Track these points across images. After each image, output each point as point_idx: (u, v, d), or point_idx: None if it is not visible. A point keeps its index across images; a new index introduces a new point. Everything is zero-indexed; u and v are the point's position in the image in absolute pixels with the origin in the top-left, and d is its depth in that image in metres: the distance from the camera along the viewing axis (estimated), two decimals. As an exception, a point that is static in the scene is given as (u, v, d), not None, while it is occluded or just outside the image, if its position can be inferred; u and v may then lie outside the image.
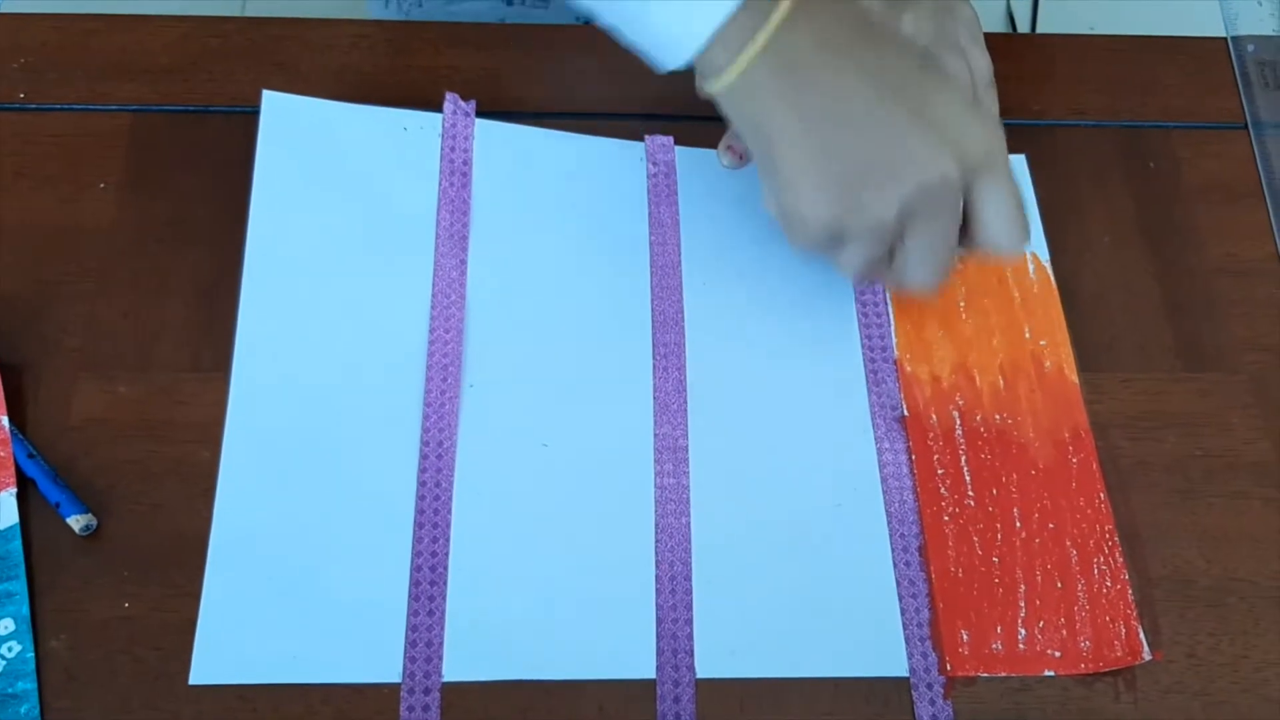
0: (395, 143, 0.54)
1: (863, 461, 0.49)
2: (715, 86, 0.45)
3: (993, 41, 0.62)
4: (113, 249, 0.52)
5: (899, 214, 0.44)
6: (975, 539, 0.47)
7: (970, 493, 0.48)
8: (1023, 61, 0.62)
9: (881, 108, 0.43)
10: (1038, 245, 0.55)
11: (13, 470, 0.46)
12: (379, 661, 0.44)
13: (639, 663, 0.44)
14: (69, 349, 0.49)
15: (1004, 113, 0.59)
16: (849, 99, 0.43)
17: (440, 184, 0.54)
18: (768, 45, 0.43)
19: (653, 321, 0.51)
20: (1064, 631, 0.46)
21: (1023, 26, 1.33)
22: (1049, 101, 0.60)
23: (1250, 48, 0.61)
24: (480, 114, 0.55)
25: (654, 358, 0.51)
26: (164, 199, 0.53)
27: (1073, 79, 0.61)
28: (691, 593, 0.46)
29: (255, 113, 0.54)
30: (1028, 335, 0.52)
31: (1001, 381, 0.51)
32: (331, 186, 0.53)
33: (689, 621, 0.45)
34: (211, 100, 0.56)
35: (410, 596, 0.45)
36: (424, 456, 0.48)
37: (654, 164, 0.55)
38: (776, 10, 0.43)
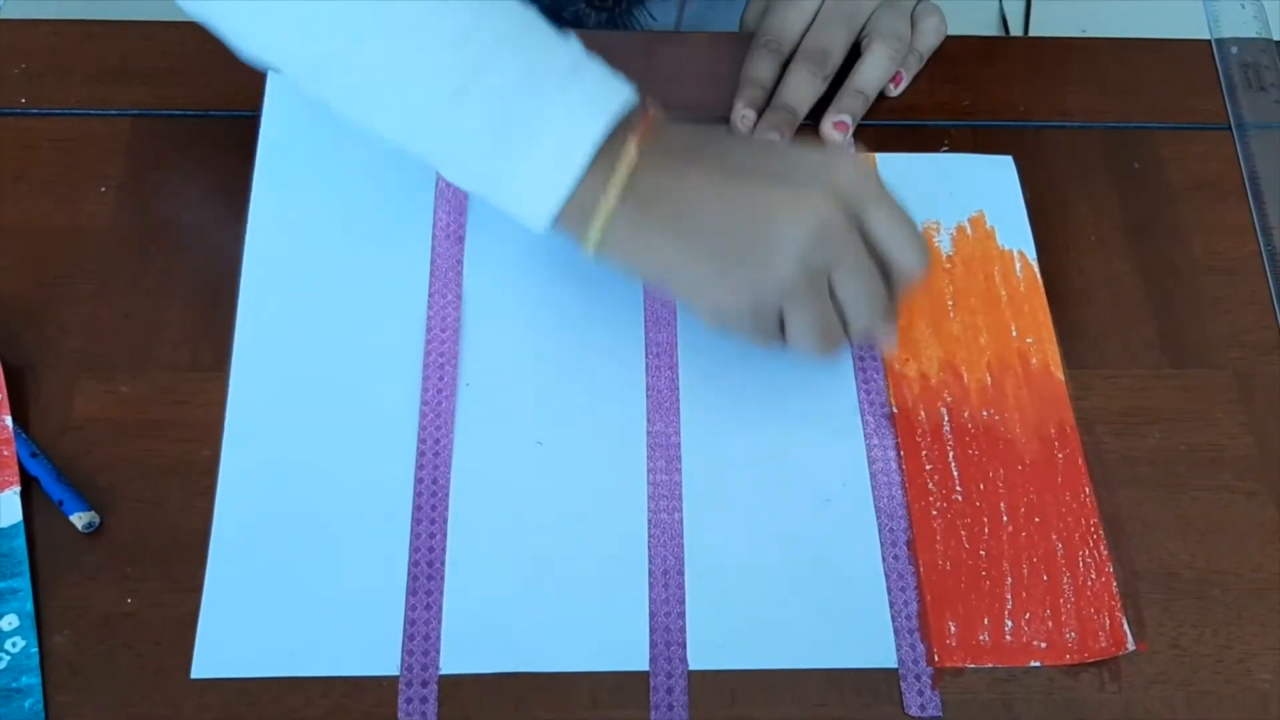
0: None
1: (852, 457, 0.50)
2: (588, 250, 0.46)
3: (981, 44, 0.63)
4: (112, 251, 0.53)
5: (803, 267, 0.44)
6: (963, 533, 0.48)
7: (958, 487, 0.49)
8: (1010, 63, 0.62)
9: (740, 189, 0.45)
10: (1024, 244, 0.55)
11: (16, 469, 0.47)
12: (377, 654, 0.45)
13: (632, 655, 0.45)
14: (70, 349, 0.50)
15: (991, 114, 0.60)
16: (707, 199, 0.45)
17: (437, 183, 0.54)
18: (619, 201, 0.45)
19: (645, 320, 0.52)
20: (1050, 623, 0.46)
21: (1015, 29, 1.34)
22: (1035, 103, 0.61)
23: (1234, 49, 0.62)
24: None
25: (647, 356, 0.51)
26: (163, 202, 0.54)
27: (1059, 80, 0.61)
28: (684, 586, 0.46)
29: (253, 117, 0.55)
30: (1014, 333, 0.53)
31: (989, 378, 0.52)
32: (329, 186, 0.54)
33: (681, 614, 0.46)
34: (210, 105, 0.57)
35: (408, 591, 0.46)
36: (421, 454, 0.48)
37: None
38: (616, 174, 0.44)
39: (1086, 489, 0.49)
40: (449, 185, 0.54)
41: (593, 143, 0.44)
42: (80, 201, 0.54)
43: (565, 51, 0.45)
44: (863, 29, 0.59)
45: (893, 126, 0.58)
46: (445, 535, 0.47)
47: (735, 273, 0.45)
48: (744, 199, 0.45)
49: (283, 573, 0.46)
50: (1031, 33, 1.33)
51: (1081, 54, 0.63)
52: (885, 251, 0.46)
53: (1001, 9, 1.35)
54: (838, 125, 0.57)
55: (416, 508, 0.47)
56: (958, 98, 0.61)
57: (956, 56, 0.62)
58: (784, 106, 0.57)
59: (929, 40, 0.61)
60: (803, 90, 0.57)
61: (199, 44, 0.59)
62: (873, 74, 0.58)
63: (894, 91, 0.60)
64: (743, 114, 0.57)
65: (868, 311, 0.47)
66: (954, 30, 0.62)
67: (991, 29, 1.34)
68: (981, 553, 0.48)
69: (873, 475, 0.49)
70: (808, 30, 0.59)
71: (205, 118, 0.57)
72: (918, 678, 0.45)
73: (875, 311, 0.47)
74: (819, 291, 0.46)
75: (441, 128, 0.45)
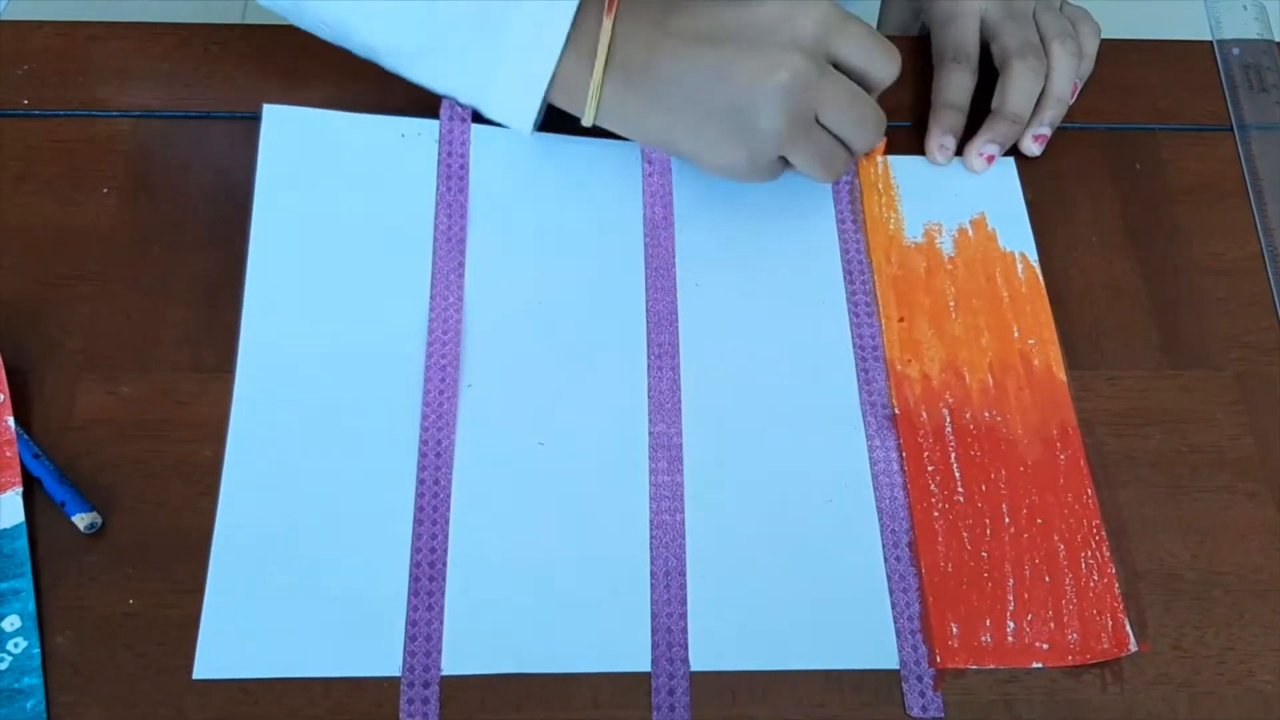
0: (393, 149, 0.55)
1: (854, 459, 0.50)
2: (586, 122, 0.51)
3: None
4: (115, 252, 0.53)
5: (789, 116, 0.49)
6: (964, 534, 0.48)
7: (960, 489, 0.49)
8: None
9: (713, 55, 0.49)
10: (1026, 245, 0.55)
11: (18, 470, 0.47)
12: (379, 655, 0.45)
13: (634, 655, 0.45)
14: (72, 350, 0.50)
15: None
16: (685, 70, 0.49)
17: (437, 188, 0.54)
18: (604, 77, 0.49)
19: (647, 321, 0.52)
20: (1052, 624, 0.47)
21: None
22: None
23: (1235, 50, 0.62)
24: (477, 119, 0.56)
25: (648, 357, 0.51)
26: (165, 203, 0.54)
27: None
28: (686, 587, 0.46)
29: (255, 118, 0.55)
30: (1016, 334, 0.53)
31: (990, 380, 0.52)
32: (331, 192, 0.54)
33: (683, 615, 0.46)
34: (212, 106, 0.57)
35: (410, 592, 0.46)
36: (423, 455, 0.48)
37: (649, 163, 0.56)
38: (597, 55, 0.49)
39: (1088, 490, 0.49)
40: (449, 189, 0.54)
41: (565, 26, 0.48)
42: (82, 203, 0.54)
43: None
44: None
45: (894, 128, 0.58)
46: (447, 536, 0.47)
47: (727, 135, 0.49)
48: (718, 66, 0.48)
49: (285, 573, 0.46)
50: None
51: (1083, 55, 0.63)
52: (859, 72, 0.50)
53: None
54: (1038, 138, 0.57)
55: (418, 509, 0.47)
56: (959, 99, 0.60)
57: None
58: (1010, 115, 0.56)
59: (1092, 44, 0.59)
60: (1029, 91, 0.56)
61: (201, 45, 0.59)
62: (1067, 76, 0.57)
63: (1070, 101, 0.58)
64: (942, 143, 0.57)
65: (861, 133, 0.51)
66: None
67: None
68: (983, 554, 0.48)
69: (874, 476, 0.49)
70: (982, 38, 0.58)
71: (207, 119, 0.57)
72: (919, 679, 0.45)
73: (868, 131, 0.51)
74: (809, 130, 0.50)
75: (424, 28, 0.49)
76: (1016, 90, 0.56)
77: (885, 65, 0.51)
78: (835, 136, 0.51)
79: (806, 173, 0.51)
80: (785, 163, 0.52)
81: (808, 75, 0.48)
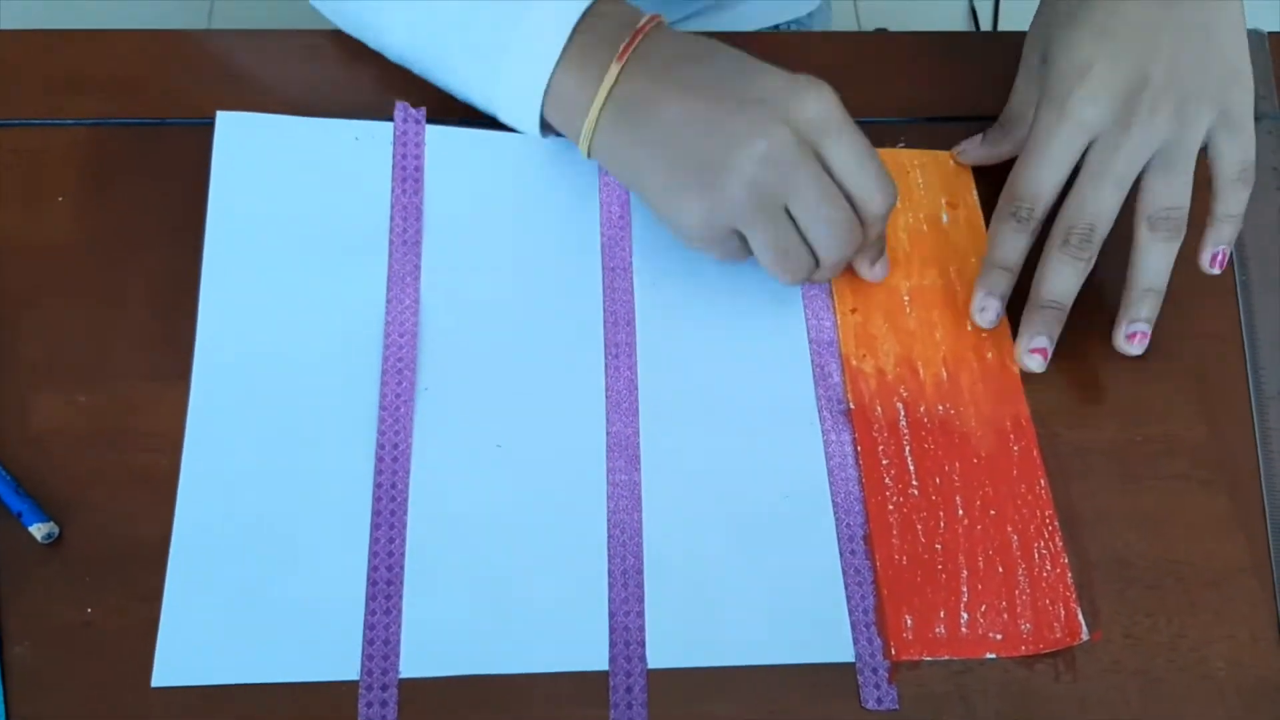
0: (347, 152, 0.55)
1: (809, 454, 0.50)
2: (584, 151, 0.51)
3: (955, 40, 0.63)
4: (70, 261, 0.53)
5: (750, 190, 0.47)
6: (919, 527, 0.49)
7: (914, 482, 0.50)
8: (983, 61, 0.62)
9: (705, 108, 0.48)
10: (980, 241, 0.56)
11: (-26, 481, 0.47)
12: (337, 660, 0.45)
13: (592, 655, 0.45)
14: (28, 360, 0.50)
15: (956, 110, 0.60)
16: (676, 117, 0.48)
17: (392, 190, 0.54)
18: (604, 105, 0.50)
19: (604, 321, 0.52)
20: (1005, 615, 0.47)
21: (985, 24, 1.35)
22: (1000, 99, 0.61)
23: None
24: (431, 120, 0.56)
25: (605, 356, 0.52)
26: (121, 211, 0.54)
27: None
28: (643, 586, 0.47)
29: (211, 125, 0.55)
30: (970, 328, 0.53)
31: (944, 373, 0.52)
32: (285, 197, 0.54)
33: (640, 614, 0.46)
34: (168, 113, 0.57)
35: (367, 596, 0.46)
36: (380, 459, 0.49)
37: (604, 166, 0.56)
38: (604, 81, 0.49)
39: (1042, 481, 0.50)
40: (404, 191, 0.54)
41: (564, 34, 0.49)
42: (38, 211, 0.54)
43: None
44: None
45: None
46: (404, 539, 0.47)
47: (690, 187, 0.48)
48: (706, 118, 0.48)
49: (243, 579, 0.46)
50: (1001, 28, 1.33)
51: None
52: (844, 184, 0.48)
53: (971, 5, 1.36)
54: (1133, 337, 0.52)
55: (375, 512, 0.47)
56: (921, 94, 0.61)
57: (923, 52, 0.62)
58: (1050, 303, 0.51)
59: (1231, 199, 0.51)
60: (1069, 281, 0.51)
61: (156, 52, 0.59)
62: (1160, 267, 0.51)
63: (1214, 271, 0.52)
64: (983, 305, 0.52)
65: (830, 241, 0.49)
66: (923, 25, 0.62)
67: (960, 25, 1.35)
68: (937, 546, 0.48)
69: (830, 471, 0.50)
70: (1064, 190, 0.51)
71: (162, 126, 0.57)
72: (874, 671, 0.46)
73: (840, 241, 0.49)
74: (772, 215, 0.48)
75: (436, 34, 0.52)
76: (1045, 277, 0.51)
77: (872, 185, 0.48)
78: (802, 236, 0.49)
79: (763, 262, 0.49)
80: (744, 243, 0.50)
81: (785, 154, 0.47)
